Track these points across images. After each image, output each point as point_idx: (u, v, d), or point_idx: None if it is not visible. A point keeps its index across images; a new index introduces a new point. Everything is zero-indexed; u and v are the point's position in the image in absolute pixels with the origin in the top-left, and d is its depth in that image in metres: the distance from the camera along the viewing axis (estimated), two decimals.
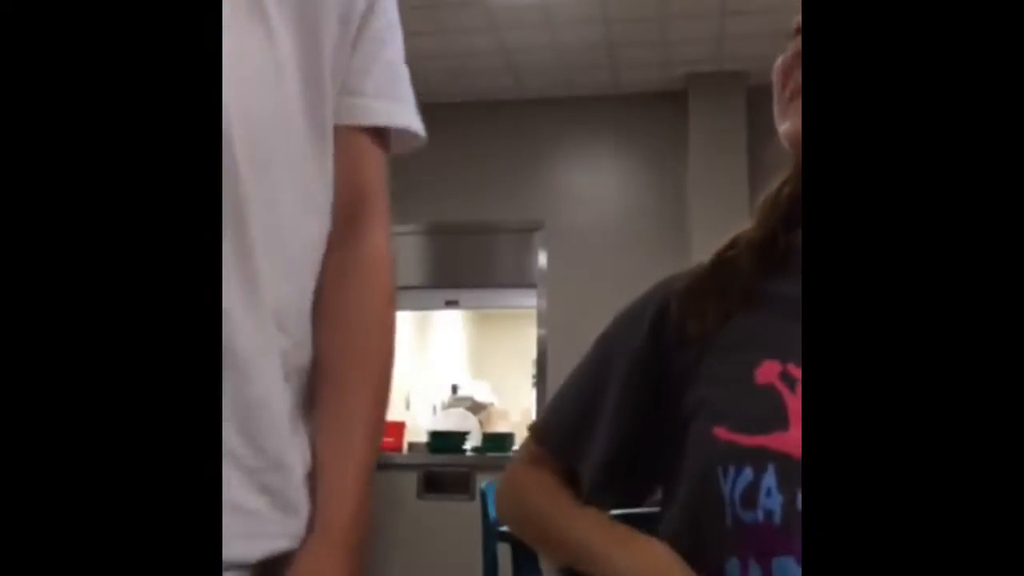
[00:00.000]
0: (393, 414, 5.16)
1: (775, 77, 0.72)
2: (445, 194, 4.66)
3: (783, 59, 0.70)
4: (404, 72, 0.75)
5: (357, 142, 0.71)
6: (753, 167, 4.06)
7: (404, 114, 0.75)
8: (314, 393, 0.65)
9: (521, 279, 4.64)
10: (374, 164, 0.74)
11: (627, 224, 4.51)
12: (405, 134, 0.75)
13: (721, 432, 0.65)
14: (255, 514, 0.57)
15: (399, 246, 4.57)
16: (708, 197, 4.13)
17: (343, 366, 0.66)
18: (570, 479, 0.77)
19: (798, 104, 0.67)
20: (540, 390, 4.51)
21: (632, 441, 0.74)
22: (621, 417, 0.74)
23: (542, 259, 4.59)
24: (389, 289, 0.73)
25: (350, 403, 0.67)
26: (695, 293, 0.72)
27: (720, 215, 4.06)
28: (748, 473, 0.63)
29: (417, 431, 5.10)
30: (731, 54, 4.10)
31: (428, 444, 4.68)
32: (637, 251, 4.39)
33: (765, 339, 0.67)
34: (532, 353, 4.67)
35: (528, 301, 4.63)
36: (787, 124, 0.69)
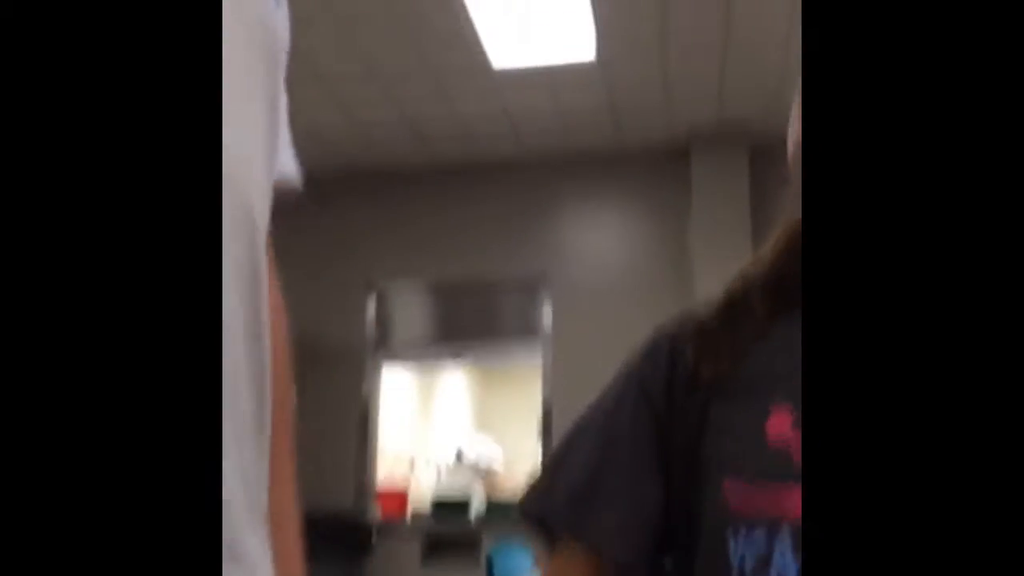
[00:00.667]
0: (397, 478, 5.09)
1: (793, 113, 0.69)
2: (449, 251, 4.67)
3: None
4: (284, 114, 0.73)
5: None
6: (756, 222, 4.07)
7: (291, 162, 0.72)
8: None
9: (526, 335, 4.62)
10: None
11: (631, 279, 4.50)
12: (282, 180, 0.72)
13: (734, 486, 0.61)
14: None
15: (403, 302, 4.53)
16: (711, 252, 4.14)
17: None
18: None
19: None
20: (546, 446, 4.45)
21: (657, 502, 0.66)
22: (647, 478, 0.66)
23: (547, 315, 4.58)
24: (286, 339, 0.73)
25: (273, 456, 0.66)
26: (708, 333, 0.68)
27: (724, 269, 4.04)
28: (760, 537, 0.59)
29: (421, 495, 5.02)
30: (733, 110, 4.15)
31: (432, 512, 4.60)
32: (641, 306, 4.37)
33: (777, 383, 0.63)
34: (538, 410, 4.62)
35: (533, 356, 4.60)
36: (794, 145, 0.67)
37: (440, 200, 4.71)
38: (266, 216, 0.63)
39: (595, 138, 4.45)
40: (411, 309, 4.76)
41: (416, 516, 4.65)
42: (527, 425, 5.48)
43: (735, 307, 0.69)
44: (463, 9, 3.32)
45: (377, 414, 4.71)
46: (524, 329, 4.62)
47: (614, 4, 3.32)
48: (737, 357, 0.65)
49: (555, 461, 0.70)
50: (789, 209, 0.74)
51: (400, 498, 4.71)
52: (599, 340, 4.37)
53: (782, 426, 0.61)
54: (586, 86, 3.93)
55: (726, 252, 4.07)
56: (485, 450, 5.70)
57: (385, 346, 4.71)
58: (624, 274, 4.51)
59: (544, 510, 0.68)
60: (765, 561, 0.58)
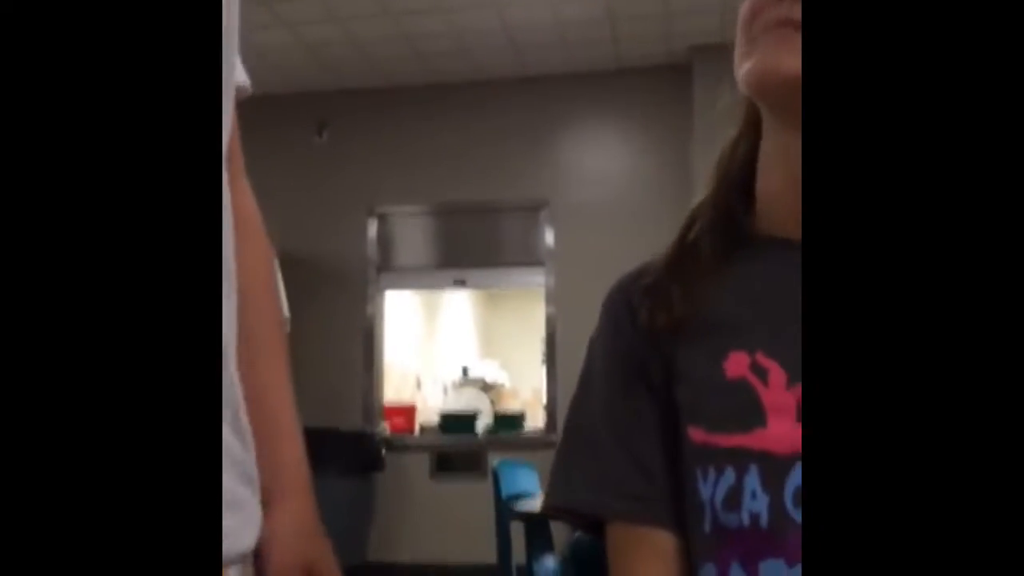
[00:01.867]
0: (404, 396, 5.19)
1: (741, 16, 0.63)
2: (450, 175, 4.65)
3: None
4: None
5: None
6: None
7: (240, 69, 0.70)
8: None
9: (528, 257, 4.64)
10: (231, 123, 0.69)
11: (632, 199, 4.49)
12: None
13: (697, 433, 0.62)
14: (245, 504, 0.57)
15: (406, 227, 4.55)
16: None
17: (244, 334, 0.62)
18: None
19: (774, 38, 0.59)
20: (550, 368, 4.52)
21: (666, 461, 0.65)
22: (653, 442, 0.65)
23: (549, 237, 4.58)
24: (267, 248, 0.74)
25: (262, 369, 0.68)
26: (659, 286, 0.67)
27: None
28: (730, 475, 0.59)
29: (428, 412, 5.12)
30: (735, 25, 4.05)
31: (440, 425, 4.71)
32: (643, 225, 4.37)
33: (731, 328, 0.63)
34: (541, 331, 4.67)
35: (536, 279, 4.63)
36: (751, 62, 0.60)
37: (440, 120, 4.66)
38: (231, 120, 0.64)
39: (595, 54, 4.38)
40: (413, 232, 4.77)
41: (424, 430, 4.76)
42: (531, 347, 5.56)
43: (684, 253, 0.68)
44: None
45: (382, 335, 4.77)
46: (526, 251, 4.64)
47: None
48: (690, 303, 0.64)
49: (574, 451, 0.68)
50: (730, 138, 0.71)
51: (408, 413, 4.82)
52: (601, 261, 4.39)
53: (739, 368, 0.61)
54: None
55: None
56: (491, 368, 5.79)
57: (388, 269, 4.73)
58: (625, 193, 4.50)
59: (585, 502, 0.67)
60: (736, 498, 0.59)
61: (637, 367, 0.66)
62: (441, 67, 4.49)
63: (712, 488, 0.60)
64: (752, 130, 0.70)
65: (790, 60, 0.57)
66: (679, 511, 0.63)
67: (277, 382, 0.71)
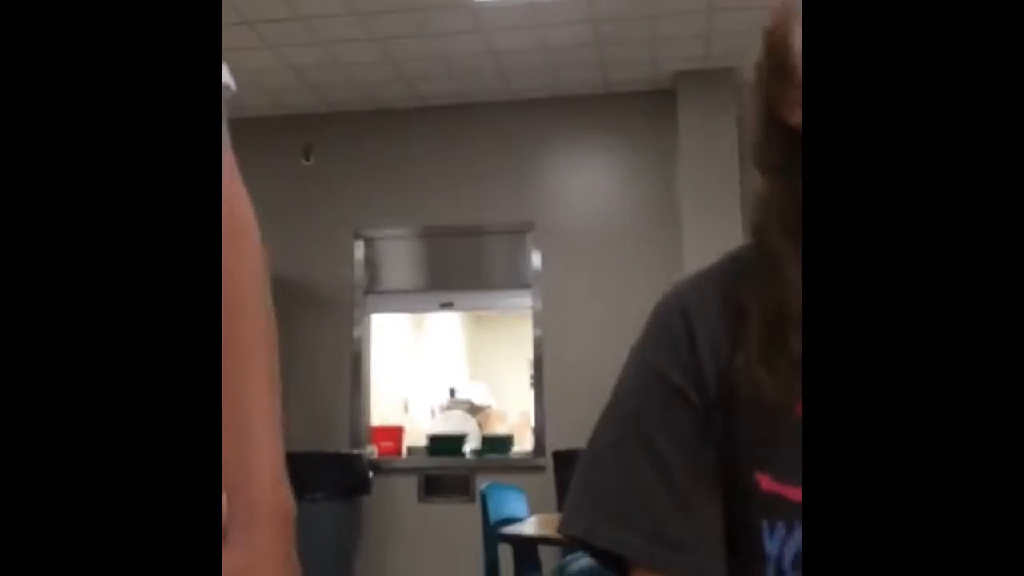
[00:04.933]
0: (391, 419, 5.16)
1: (771, 52, 0.58)
2: (437, 197, 4.66)
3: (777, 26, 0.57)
4: None
5: None
6: (744, 162, 4.06)
7: (227, 71, 0.68)
8: None
9: (515, 280, 4.64)
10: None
11: (619, 221, 4.51)
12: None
13: (764, 480, 0.54)
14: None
15: (392, 250, 4.55)
16: (699, 192, 4.14)
17: (229, 339, 0.56)
18: None
19: None
20: (538, 390, 4.51)
21: (719, 510, 0.58)
22: (700, 477, 0.57)
23: (536, 259, 4.59)
24: (259, 253, 0.65)
25: (243, 378, 0.60)
26: (731, 301, 0.58)
27: (711, 210, 4.07)
28: (798, 531, 0.53)
29: (416, 435, 5.09)
30: (719, 51, 4.11)
31: (427, 448, 4.68)
32: (629, 248, 4.40)
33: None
34: (529, 354, 4.67)
35: (523, 301, 4.63)
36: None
37: (427, 143, 4.68)
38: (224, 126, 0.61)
39: (582, 77, 4.41)
40: (399, 255, 4.77)
41: (412, 453, 4.73)
42: (519, 370, 5.55)
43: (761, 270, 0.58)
44: None
45: (369, 357, 4.75)
46: (513, 274, 4.64)
47: None
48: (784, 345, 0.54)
49: (603, 472, 0.60)
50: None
51: (395, 435, 4.79)
52: (588, 283, 4.41)
53: None
54: (571, 23, 3.88)
55: (714, 193, 4.08)
56: (479, 390, 5.77)
57: (375, 292, 4.73)
58: (612, 216, 4.52)
59: (608, 538, 0.58)
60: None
61: (691, 391, 0.57)
62: (428, 91, 4.52)
63: (780, 545, 0.54)
64: (780, 127, 0.61)
65: None
66: (723, 563, 0.55)
67: (258, 393, 0.61)
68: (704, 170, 4.16)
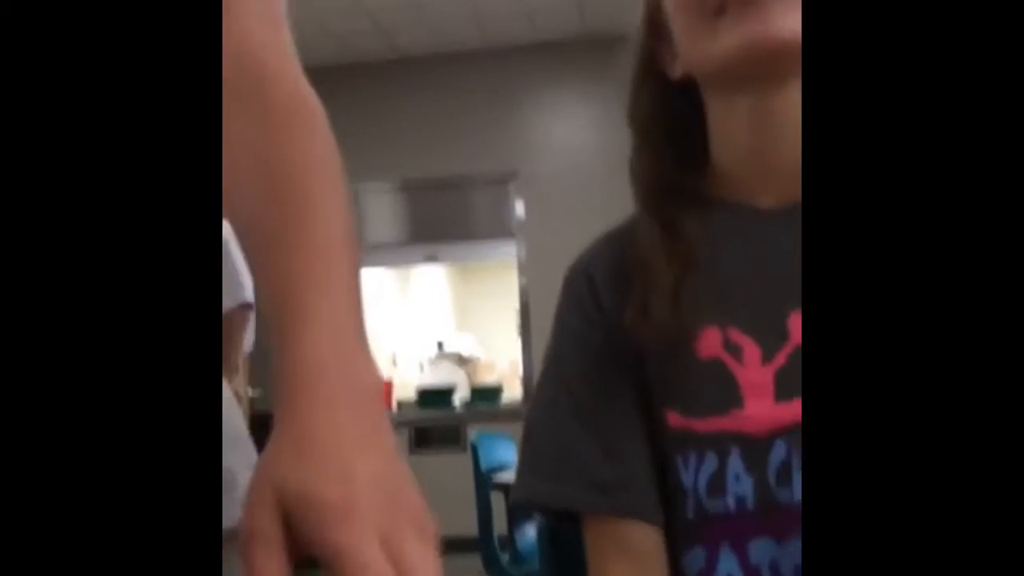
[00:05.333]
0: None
1: (649, 8, 0.61)
2: (418, 149, 4.61)
3: None
4: None
5: None
6: None
7: None
8: None
9: (499, 229, 4.63)
10: (266, 13, 0.56)
11: (601, 168, 4.49)
12: None
13: (673, 417, 0.59)
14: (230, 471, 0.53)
15: (374, 203, 4.53)
16: None
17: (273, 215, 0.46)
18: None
19: (755, 7, 0.55)
20: (525, 339, 4.53)
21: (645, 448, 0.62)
22: (626, 425, 0.61)
23: (519, 208, 4.58)
24: (325, 130, 0.53)
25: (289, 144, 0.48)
26: (628, 275, 0.62)
27: None
28: (712, 459, 0.57)
29: (405, 388, 5.12)
30: None
31: (417, 401, 4.71)
32: (612, 194, 4.36)
33: (702, 303, 0.59)
34: (515, 302, 4.68)
35: (508, 251, 4.63)
36: (740, 31, 0.56)
37: (407, 96, 4.62)
38: None
39: (560, 23, 4.35)
40: (382, 209, 4.74)
41: (402, 407, 4.77)
42: (506, 319, 5.57)
43: (654, 231, 0.62)
44: None
45: None
46: (497, 224, 4.63)
47: None
48: (665, 300, 0.59)
49: (540, 438, 0.64)
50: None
51: (385, 389, 4.81)
52: (572, 230, 4.39)
53: (712, 347, 0.58)
54: None
55: None
56: (466, 341, 5.80)
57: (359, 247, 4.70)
58: (594, 163, 4.50)
59: (552, 495, 0.62)
60: (720, 483, 0.57)
61: (605, 346, 0.63)
62: (404, 42, 4.44)
63: (694, 474, 0.58)
64: (657, 83, 0.66)
65: (789, 24, 0.54)
66: (658, 497, 0.60)
67: (311, 165, 0.48)
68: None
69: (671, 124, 0.66)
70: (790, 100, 0.58)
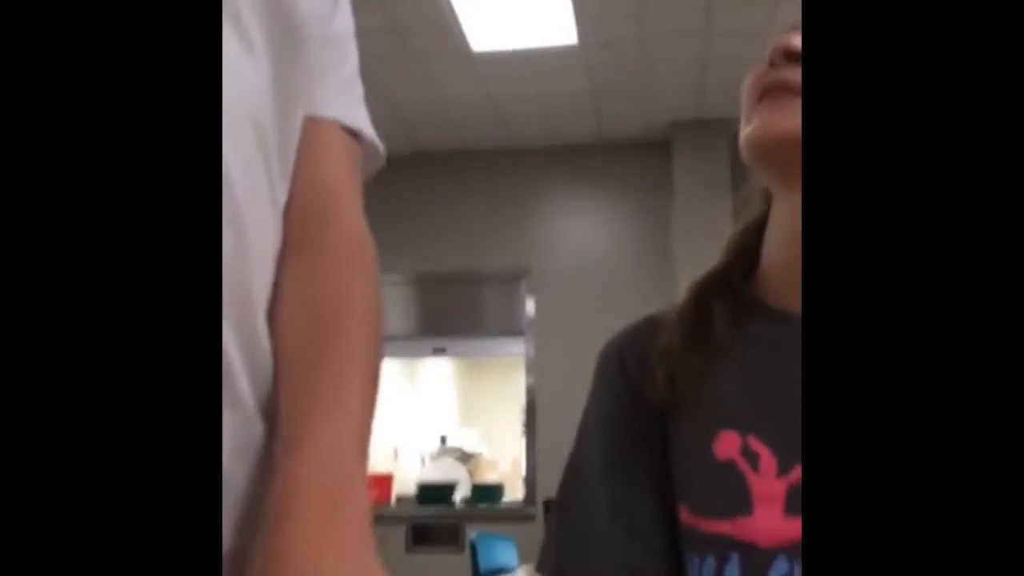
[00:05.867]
0: (380, 466, 5.10)
1: (745, 92, 0.64)
2: (431, 243, 4.67)
3: (755, 69, 0.62)
4: (361, 87, 0.69)
5: (320, 135, 0.60)
6: (737, 212, 4.09)
7: (363, 119, 0.67)
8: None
9: (509, 326, 4.63)
10: (341, 157, 0.64)
11: (613, 270, 4.52)
12: (366, 148, 0.68)
13: (684, 513, 0.59)
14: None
15: (386, 294, 4.56)
16: (693, 241, 4.16)
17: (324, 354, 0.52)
18: None
19: (769, 101, 0.58)
20: (529, 438, 4.47)
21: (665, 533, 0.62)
22: (652, 510, 0.61)
23: (529, 306, 4.59)
24: (373, 274, 0.60)
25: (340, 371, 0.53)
26: (667, 356, 0.63)
27: (706, 258, 4.07)
28: (711, 564, 0.57)
29: (405, 483, 5.03)
30: (713, 102, 4.16)
31: (417, 496, 4.61)
32: (623, 296, 4.39)
33: (725, 405, 0.60)
34: (521, 401, 4.63)
35: (516, 349, 4.61)
36: (750, 127, 0.60)
37: (423, 189, 4.70)
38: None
39: (577, 126, 4.46)
40: (393, 300, 4.76)
41: (401, 501, 4.67)
42: (511, 417, 5.51)
43: (698, 321, 0.64)
44: None
45: None
46: (507, 321, 4.63)
47: None
48: (693, 379, 0.61)
49: (570, 516, 0.64)
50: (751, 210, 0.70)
51: (385, 483, 4.73)
52: (582, 331, 4.39)
53: (729, 451, 0.58)
54: (568, 73, 3.93)
55: (708, 242, 4.08)
56: (469, 437, 5.72)
57: None
58: (606, 265, 4.53)
59: (580, 569, 0.62)
60: None
61: (633, 431, 0.63)
62: (424, 136, 4.55)
63: (697, 574, 0.57)
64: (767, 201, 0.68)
65: (787, 121, 0.56)
66: None
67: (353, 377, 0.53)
68: (698, 219, 4.19)
69: (754, 236, 0.68)
70: None
